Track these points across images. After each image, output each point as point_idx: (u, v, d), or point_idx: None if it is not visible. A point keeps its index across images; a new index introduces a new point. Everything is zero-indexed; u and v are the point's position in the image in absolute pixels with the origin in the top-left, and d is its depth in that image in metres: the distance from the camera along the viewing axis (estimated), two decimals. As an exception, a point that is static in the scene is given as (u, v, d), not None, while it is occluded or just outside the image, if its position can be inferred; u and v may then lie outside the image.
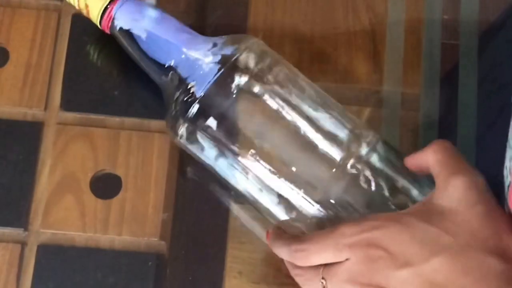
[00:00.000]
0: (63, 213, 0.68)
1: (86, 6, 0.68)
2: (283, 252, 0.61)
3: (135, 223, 0.68)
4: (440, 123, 0.71)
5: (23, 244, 0.67)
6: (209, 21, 0.72)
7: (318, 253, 0.58)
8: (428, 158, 0.59)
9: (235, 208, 0.68)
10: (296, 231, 0.63)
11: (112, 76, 0.72)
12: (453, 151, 0.59)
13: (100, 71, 0.72)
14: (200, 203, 0.69)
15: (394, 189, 0.62)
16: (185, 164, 0.69)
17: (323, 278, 0.59)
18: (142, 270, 0.66)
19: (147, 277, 0.66)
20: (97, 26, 0.69)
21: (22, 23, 0.73)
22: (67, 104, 0.71)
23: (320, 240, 0.58)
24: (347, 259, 0.57)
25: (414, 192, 0.62)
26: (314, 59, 0.68)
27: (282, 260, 0.62)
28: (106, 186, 0.69)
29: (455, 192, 0.57)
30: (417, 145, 0.70)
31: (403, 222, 0.57)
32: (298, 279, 0.61)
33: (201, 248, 0.67)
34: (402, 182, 0.62)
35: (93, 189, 0.68)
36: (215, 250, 0.67)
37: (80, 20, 0.73)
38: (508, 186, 0.58)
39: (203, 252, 0.67)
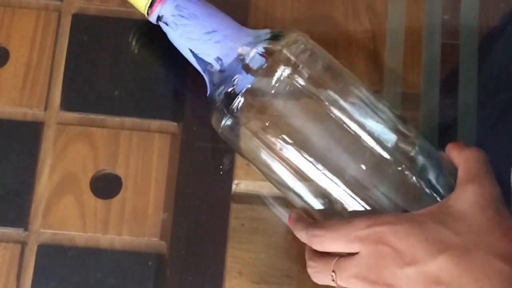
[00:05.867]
0: (63, 213, 0.68)
1: None
2: (302, 235, 0.62)
3: (135, 223, 0.68)
4: (440, 123, 0.71)
5: (23, 244, 0.67)
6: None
7: (331, 240, 0.60)
8: (460, 163, 0.61)
9: (235, 208, 0.68)
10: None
11: (112, 76, 0.72)
12: (483, 163, 0.60)
13: (100, 71, 0.72)
14: (200, 203, 0.69)
15: (437, 183, 0.62)
16: (185, 164, 0.69)
17: (333, 271, 0.60)
18: (142, 270, 0.66)
19: (147, 277, 0.66)
20: (96, 27, 0.69)
21: (22, 23, 0.73)
22: (67, 104, 0.71)
23: (335, 229, 0.60)
24: (358, 253, 0.58)
25: (451, 185, 0.62)
26: (314, 59, 0.68)
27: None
28: (106, 186, 0.69)
29: (470, 197, 0.59)
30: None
31: (416, 221, 0.58)
32: (310, 270, 0.62)
33: (201, 248, 0.67)
34: (443, 176, 0.62)
35: (93, 189, 0.68)
36: (215, 250, 0.67)
37: (80, 20, 0.73)
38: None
39: (203, 252, 0.67)
